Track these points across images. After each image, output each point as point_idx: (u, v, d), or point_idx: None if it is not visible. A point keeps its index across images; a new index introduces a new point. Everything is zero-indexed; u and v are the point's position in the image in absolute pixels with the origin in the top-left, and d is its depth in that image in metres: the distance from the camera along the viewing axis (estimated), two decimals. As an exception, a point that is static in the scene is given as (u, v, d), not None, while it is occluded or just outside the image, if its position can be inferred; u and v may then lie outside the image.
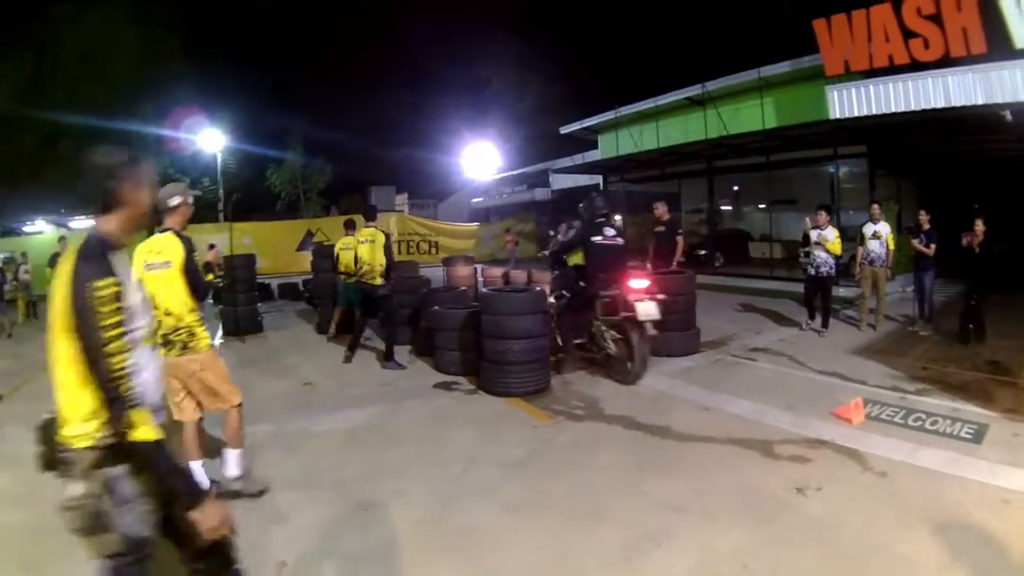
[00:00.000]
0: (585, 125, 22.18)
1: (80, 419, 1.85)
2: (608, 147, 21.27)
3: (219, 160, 29.59)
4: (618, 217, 8.31)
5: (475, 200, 34.86)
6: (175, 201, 3.92)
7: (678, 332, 7.53)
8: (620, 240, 6.92)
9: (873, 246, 8.72)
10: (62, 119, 26.67)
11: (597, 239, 6.79)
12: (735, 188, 18.96)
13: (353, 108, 44.26)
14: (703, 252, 11.49)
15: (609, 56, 43.53)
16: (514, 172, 33.22)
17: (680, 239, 9.76)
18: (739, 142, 14.89)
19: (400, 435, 5.22)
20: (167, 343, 3.90)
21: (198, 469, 4.10)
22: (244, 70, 34.49)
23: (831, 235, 8.49)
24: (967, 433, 4.56)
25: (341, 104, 44.64)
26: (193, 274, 3.85)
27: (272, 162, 36.51)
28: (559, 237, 9.67)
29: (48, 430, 1.95)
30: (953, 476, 3.86)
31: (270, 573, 3.16)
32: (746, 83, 15.59)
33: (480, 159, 33.17)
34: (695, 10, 41.48)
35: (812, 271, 8.70)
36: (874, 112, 12.13)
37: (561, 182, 27.27)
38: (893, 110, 11.86)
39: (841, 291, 11.03)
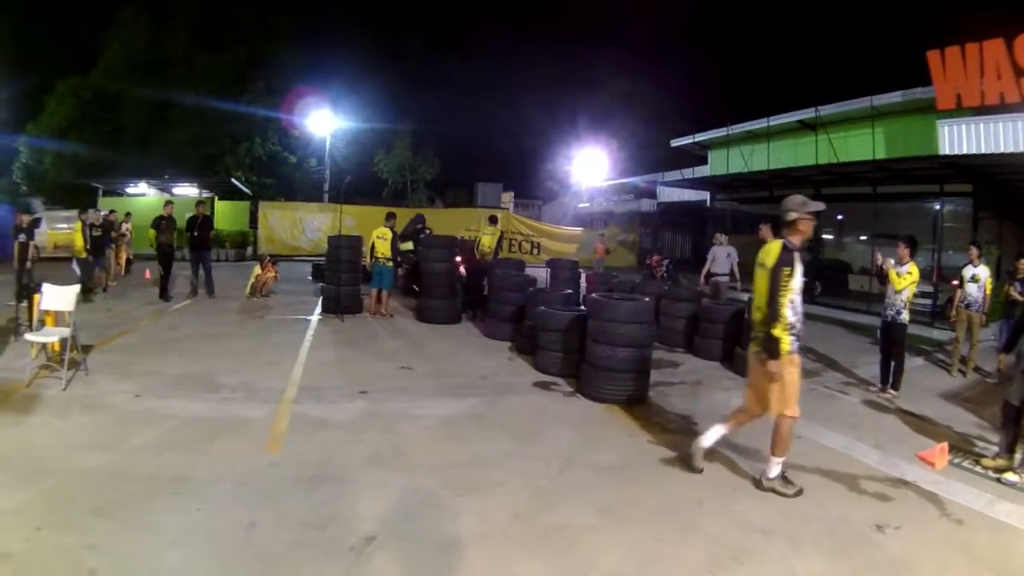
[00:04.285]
0: (696, 140, 21.71)
1: None
2: (718, 164, 20.73)
3: (327, 143, 29.61)
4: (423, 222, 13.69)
5: (581, 205, 34.59)
6: (791, 216, 4.18)
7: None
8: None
9: (971, 289, 8.35)
10: (172, 92, 27.16)
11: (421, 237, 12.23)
12: (839, 217, 18.23)
13: (469, 104, 44.62)
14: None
15: (724, 72, 42.21)
16: (622, 180, 32.44)
17: None
18: (849, 171, 14.34)
19: (498, 428, 5.30)
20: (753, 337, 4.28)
21: (714, 431, 4.47)
22: (363, 55, 34.65)
23: (904, 270, 6.87)
24: (1044, 491, 4.55)
25: (457, 99, 45.15)
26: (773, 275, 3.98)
27: (381, 148, 36.29)
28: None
29: None
30: (1026, 532, 3.91)
31: (357, 546, 3.25)
32: (858, 111, 15.04)
33: (591, 165, 33.06)
34: (810, 32, 39.78)
35: (882, 314, 7.34)
36: (983, 151, 11.53)
37: (668, 195, 26.49)
38: (1002, 150, 11.25)
39: (935, 334, 10.70)
